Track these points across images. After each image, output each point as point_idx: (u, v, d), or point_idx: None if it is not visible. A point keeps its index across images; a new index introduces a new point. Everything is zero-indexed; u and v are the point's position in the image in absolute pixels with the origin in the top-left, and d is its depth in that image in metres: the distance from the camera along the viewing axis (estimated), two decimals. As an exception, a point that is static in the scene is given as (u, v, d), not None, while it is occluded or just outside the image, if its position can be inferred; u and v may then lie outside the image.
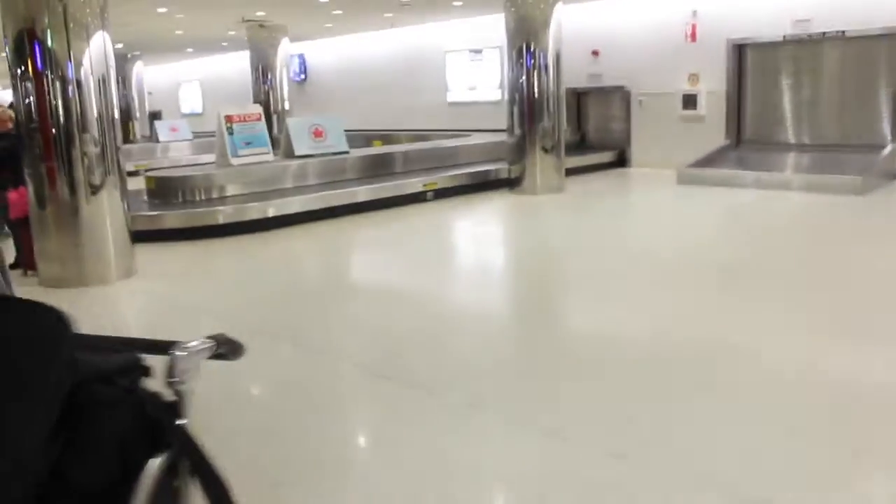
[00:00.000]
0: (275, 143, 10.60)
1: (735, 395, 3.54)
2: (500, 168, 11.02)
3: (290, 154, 10.10)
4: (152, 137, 17.64)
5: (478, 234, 8.77)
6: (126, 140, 19.95)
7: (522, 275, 6.73)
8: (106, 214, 6.38)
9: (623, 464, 2.90)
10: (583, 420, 3.32)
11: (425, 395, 3.71)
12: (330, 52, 18.64)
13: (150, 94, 21.98)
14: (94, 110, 6.25)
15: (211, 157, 10.53)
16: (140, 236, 8.02)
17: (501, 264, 7.24)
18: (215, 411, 3.65)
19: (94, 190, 6.29)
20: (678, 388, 3.66)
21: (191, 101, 23.79)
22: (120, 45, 19.57)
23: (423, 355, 4.34)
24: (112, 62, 6.40)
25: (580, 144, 13.60)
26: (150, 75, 21.58)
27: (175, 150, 17.14)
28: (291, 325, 5.08)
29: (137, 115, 19.55)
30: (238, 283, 6.50)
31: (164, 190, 9.18)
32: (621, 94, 12.98)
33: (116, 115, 6.57)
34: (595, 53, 13.08)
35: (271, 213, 8.78)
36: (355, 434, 3.52)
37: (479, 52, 15.16)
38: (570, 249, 7.42)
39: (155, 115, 20.91)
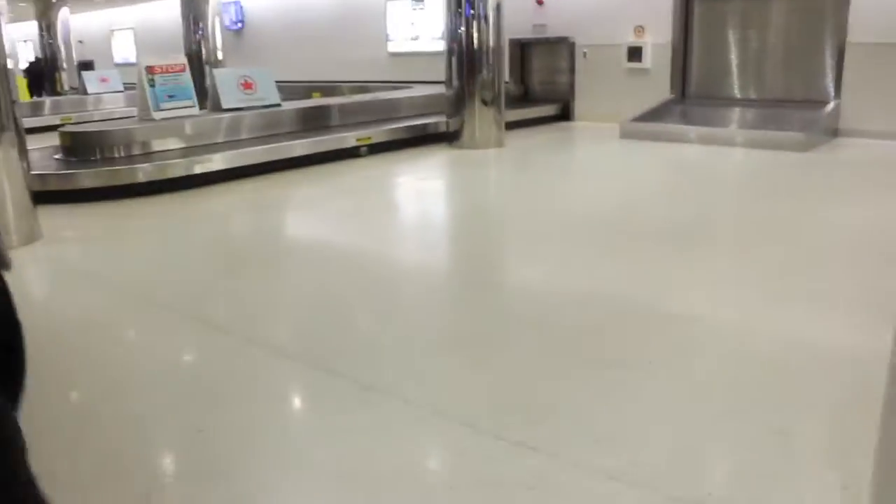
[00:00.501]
0: (205, 96, 10.08)
1: (665, 369, 3.32)
2: (439, 122, 10.66)
3: (217, 107, 9.60)
4: (80, 89, 16.81)
5: (411, 191, 8.43)
6: (54, 92, 19.10)
7: (455, 236, 6.44)
8: (2, 174, 5.90)
9: (535, 457, 2.65)
10: (497, 402, 3.06)
11: (326, 375, 3.41)
12: (269, -2, 17.91)
13: (80, 42, 21.00)
14: (-18, 60, 5.74)
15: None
16: (54, 197, 7.54)
17: (433, 223, 6.91)
18: (78, 386, 3.33)
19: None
20: (606, 360, 3.42)
21: (124, 50, 22.78)
22: (43, -10, 18.70)
23: (337, 331, 4.02)
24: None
25: (523, 97, 13.28)
26: (79, 23, 20.58)
27: (107, 103, 16.40)
28: (200, 294, 4.73)
29: (65, 65, 18.63)
30: (152, 247, 6.09)
31: (80, 146, 8.63)
32: (566, 46, 12.64)
33: (9, 64, 6.05)
34: (539, 2, 12.69)
35: (196, 170, 8.31)
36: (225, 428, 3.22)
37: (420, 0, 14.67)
38: (507, 207, 7.15)
39: (86, 66, 19.95)
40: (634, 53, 11.87)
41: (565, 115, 12.80)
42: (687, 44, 11.64)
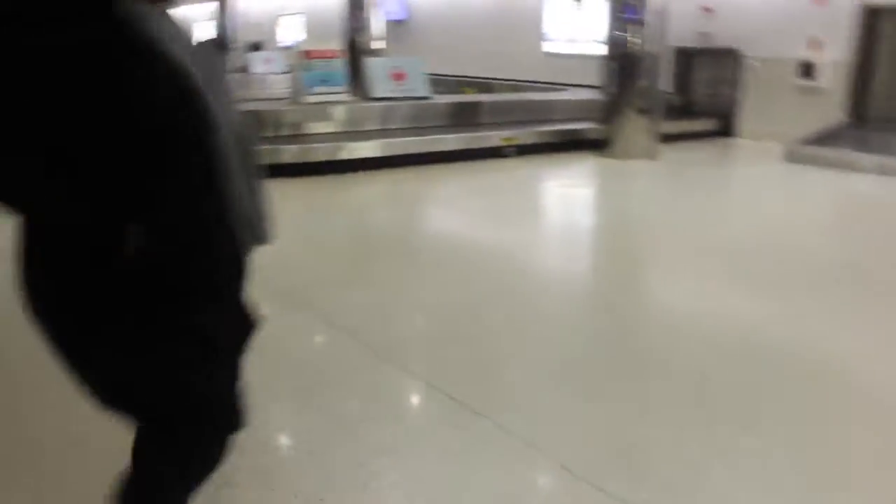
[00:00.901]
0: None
1: (809, 443, 2.88)
2: (589, 128, 10.24)
3: (367, 96, 9.65)
4: (246, 69, 17.52)
5: (555, 198, 8.13)
6: (222, 70, 19.95)
7: (594, 251, 6.08)
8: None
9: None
10: (602, 446, 2.75)
11: (426, 388, 3.21)
12: (433, -10, 17.96)
13: (256, 24, 21.89)
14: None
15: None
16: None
17: (573, 235, 6.54)
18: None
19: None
20: (736, 419, 3.02)
21: (292, 33, 23.57)
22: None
23: (450, 338, 3.81)
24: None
25: (683, 109, 12.60)
26: (254, 4, 21.45)
27: (270, 83, 16.97)
28: (321, 285, 4.64)
29: (234, 45, 19.47)
30: (286, 232, 6.09)
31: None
32: (732, 58, 11.86)
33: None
34: (707, 10, 11.98)
35: (341, 156, 8.37)
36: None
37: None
38: (652, 226, 6.69)
39: (255, 47, 20.81)
40: (807, 70, 10.97)
41: (726, 130, 12.04)
42: (869, 62, 10.64)
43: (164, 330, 1.42)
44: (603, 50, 10.01)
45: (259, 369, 1.98)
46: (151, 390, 1.50)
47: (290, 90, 9.41)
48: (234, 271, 1.52)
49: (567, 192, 8.14)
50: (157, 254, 1.31)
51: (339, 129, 9.03)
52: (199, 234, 1.36)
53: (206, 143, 1.29)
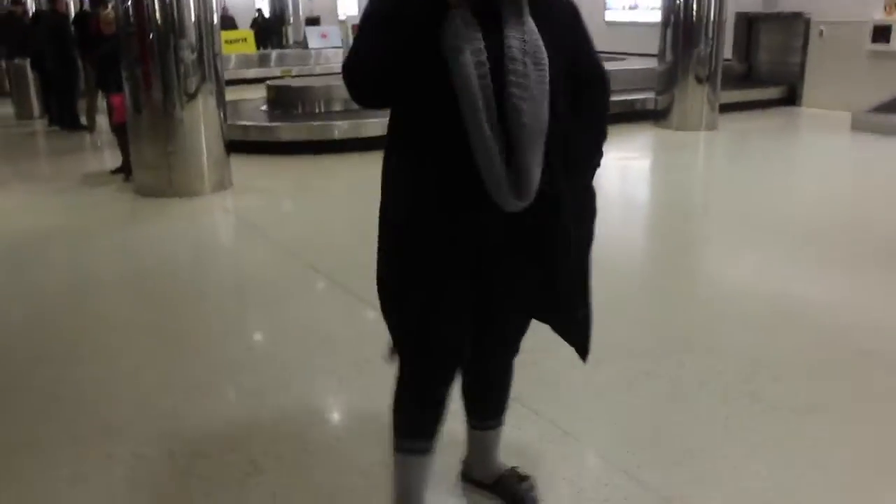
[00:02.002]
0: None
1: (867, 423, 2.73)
2: (648, 98, 9.96)
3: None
4: (303, 43, 17.54)
5: (613, 171, 7.93)
6: (280, 45, 20.10)
7: (654, 225, 5.92)
8: (200, 123, 6.14)
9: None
10: (639, 435, 2.65)
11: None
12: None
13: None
14: (191, 16, 5.94)
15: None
16: (256, 147, 7.84)
17: (630, 210, 6.34)
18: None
19: (189, 97, 6.03)
20: (790, 404, 2.88)
21: (352, 7, 23.51)
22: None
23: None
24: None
25: (746, 77, 12.16)
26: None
27: (326, 58, 16.97)
28: (355, 266, 4.61)
29: (291, 19, 19.50)
30: (329, 208, 6.11)
31: (284, 100, 8.92)
32: (800, 22, 11.35)
33: (216, 20, 6.25)
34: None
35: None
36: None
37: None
38: (710, 200, 6.48)
39: (313, 21, 20.82)
40: (882, 33, 10.41)
41: (792, 99, 11.57)
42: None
43: None
44: (661, 16, 9.70)
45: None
46: None
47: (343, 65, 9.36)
48: None
49: (623, 165, 7.92)
50: None
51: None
52: None
53: None
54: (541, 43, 1.72)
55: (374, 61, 1.66)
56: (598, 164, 1.97)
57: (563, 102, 1.78)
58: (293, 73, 14.63)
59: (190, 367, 3.23)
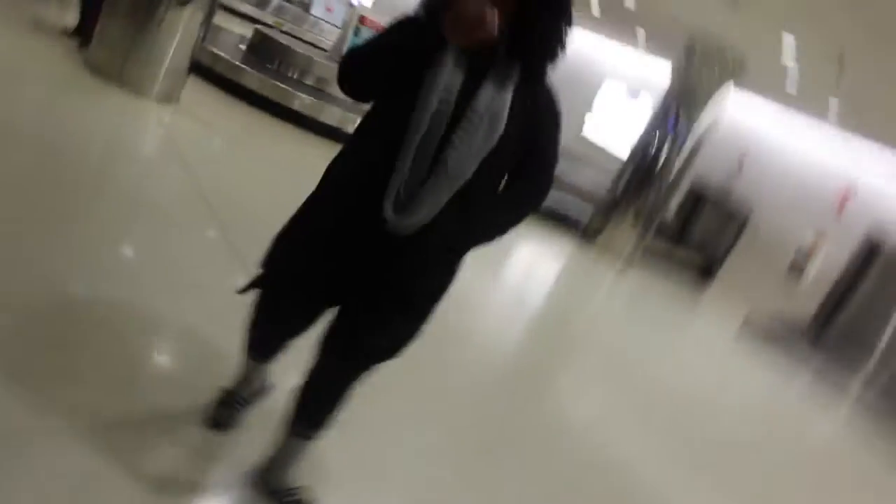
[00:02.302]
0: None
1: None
2: (582, 214, 10.33)
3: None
4: (306, 6, 17.39)
5: (512, 263, 8.12)
6: (285, -3, 19.76)
7: (519, 333, 6.08)
8: (178, 28, 5.96)
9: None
10: None
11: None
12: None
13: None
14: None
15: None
16: (222, 84, 7.68)
17: (510, 308, 6.52)
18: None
19: (182, 2, 5.89)
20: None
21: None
22: None
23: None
24: None
25: (678, 238, 12.72)
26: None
27: (319, 29, 16.84)
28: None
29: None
30: (264, 169, 6.03)
31: (264, 49, 8.81)
32: (740, 218, 12.06)
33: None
34: (741, 160, 12.16)
35: (348, 129, 8.28)
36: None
37: (636, 94, 14.22)
38: (584, 331, 6.70)
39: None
40: (800, 259, 11.19)
41: (708, 272, 12.12)
42: (847, 288, 10.88)
43: None
44: (628, 149, 10.13)
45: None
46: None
47: (332, 45, 9.34)
48: None
49: (528, 261, 8.13)
50: None
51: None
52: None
53: None
54: (505, 113, 1.90)
55: (373, 51, 1.93)
56: (484, 241, 2.05)
57: (495, 172, 1.98)
58: (283, 28, 14.47)
59: (44, 250, 3.12)
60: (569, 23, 1.94)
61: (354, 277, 2.02)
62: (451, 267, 2.08)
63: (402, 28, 1.95)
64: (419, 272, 2.00)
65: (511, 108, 1.90)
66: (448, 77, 1.87)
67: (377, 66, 1.92)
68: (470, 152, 1.87)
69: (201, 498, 2.25)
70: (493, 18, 1.81)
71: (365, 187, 1.92)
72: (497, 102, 1.88)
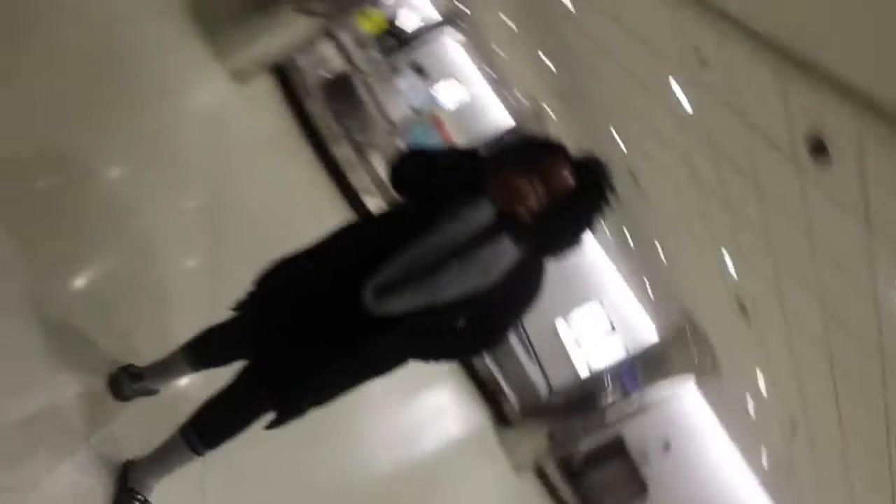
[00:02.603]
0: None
1: None
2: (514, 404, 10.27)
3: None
4: (397, 72, 17.80)
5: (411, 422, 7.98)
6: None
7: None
8: (287, 29, 6.14)
9: None
10: None
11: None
12: None
13: (440, 58, 22.36)
14: None
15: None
16: (287, 90, 7.74)
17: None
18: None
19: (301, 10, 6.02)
20: None
21: (452, 95, 23.90)
22: None
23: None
24: None
25: (573, 476, 12.60)
26: (453, 50, 21.93)
27: (395, 98, 17.14)
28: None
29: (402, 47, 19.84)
30: (263, 175, 6.02)
31: (340, 87, 8.97)
32: (638, 489, 12.05)
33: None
34: (667, 444, 12.24)
35: (367, 198, 8.32)
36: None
37: (613, 329, 14.41)
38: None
39: (419, 69, 21.08)
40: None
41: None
42: None
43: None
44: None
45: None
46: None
47: (398, 121, 9.53)
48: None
49: (438, 406, 7.97)
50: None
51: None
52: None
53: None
54: (503, 270, 2.12)
55: (433, 163, 2.21)
56: (429, 357, 2.31)
57: (465, 306, 2.17)
58: (368, 80, 14.76)
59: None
60: (590, 232, 2.20)
61: (318, 328, 2.15)
62: (398, 356, 2.26)
63: (466, 158, 2.20)
64: (372, 342, 2.14)
65: (508, 269, 2.13)
66: (475, 216, 2.08)
67: (429, 177, 2.15)
68: (457, 283, 2.09)
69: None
70: (534, 204, 2.06)
71: (361, 263, 2.09)
72: (502, 259, 2.10)
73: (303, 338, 2.16)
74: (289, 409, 2.22)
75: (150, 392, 2.50)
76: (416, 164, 2.20)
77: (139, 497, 2.20)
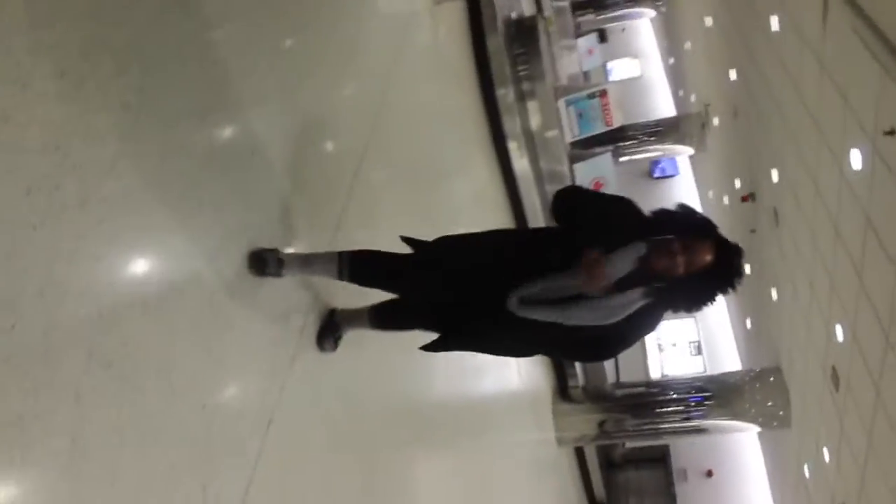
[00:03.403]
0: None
1: None
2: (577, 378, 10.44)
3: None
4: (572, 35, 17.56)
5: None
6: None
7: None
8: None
9: None
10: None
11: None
12: None
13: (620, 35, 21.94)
14: None
15: None
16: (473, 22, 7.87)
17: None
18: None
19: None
20: None
21: (625, 71, 23.55)
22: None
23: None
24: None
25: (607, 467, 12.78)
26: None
27: (566, 58, 16.95)
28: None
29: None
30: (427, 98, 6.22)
31: (525, 35, 9.00)
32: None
33: None
34: (708, 475, 12.25)
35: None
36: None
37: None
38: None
39: (603, 35, 20.82)
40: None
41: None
42: None
43: None
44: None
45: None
46: None
47: (564, 80, 9.50)
48: None
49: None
50: None
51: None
52: None
53: None
54: (622, 314, 2.42)
55: (590, 205, 2.62)
56: (546, 352, 3.11)
57: (583, 332, 2.50)
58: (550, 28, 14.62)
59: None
60: (711, 304, 2.48)
61: (476, 299, 2.59)
62: (528, 348, 2.88)
63: (621, 206, 2.54)
64: (512, 328, 2.55)
65: (631, 314, 2.44)
66: (621, 263, 2.38)
67: (584, 216, 2.52)
68: (585, 316, 2.44)
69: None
70: (678, 273, 2.36)
71: (515, 272, 2.50)
72: (629, 306, 2.42)
73: (464, 300, 2.63)
74: (441, 339, 2.75)
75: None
76: (577, 201, 2.62)
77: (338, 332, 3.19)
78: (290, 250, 2.98)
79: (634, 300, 2.42)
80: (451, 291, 2.65)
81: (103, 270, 1.97)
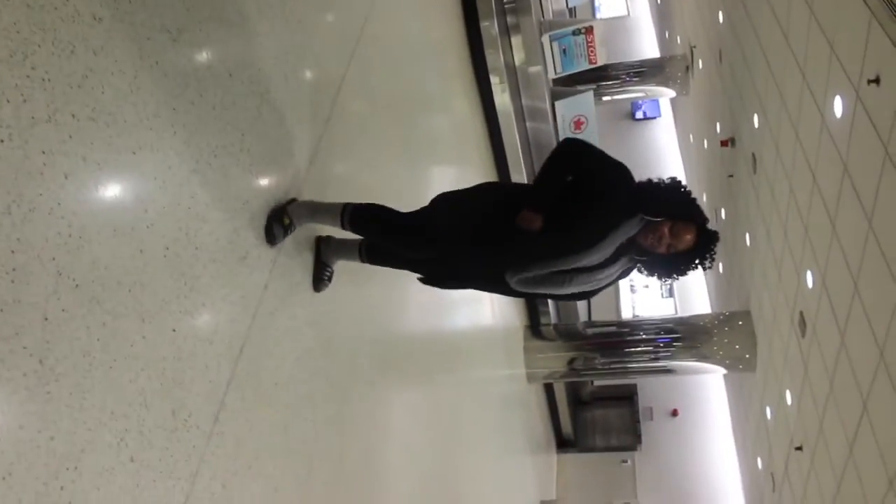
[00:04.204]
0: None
1: None
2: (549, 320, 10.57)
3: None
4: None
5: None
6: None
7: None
8: None
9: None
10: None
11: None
12: None
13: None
14: None
15: None
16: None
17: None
18: None
19: None
20: None
21: (612, 7, 23.17)
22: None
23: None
24: None
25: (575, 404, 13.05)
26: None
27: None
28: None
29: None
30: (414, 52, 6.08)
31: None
32: (630, 440, 12.44)
33: None
34: (673, 414, 12.54)
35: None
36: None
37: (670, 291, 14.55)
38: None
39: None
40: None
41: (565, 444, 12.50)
42: None
43: None
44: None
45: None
46: None
47: (550, 15, 9.35)
48: None
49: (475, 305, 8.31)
50: None
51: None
52: None
53: None
54: (609, 280, 2.85)
55: (590, 154, 2.78)
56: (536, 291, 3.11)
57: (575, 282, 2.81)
58: None
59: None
60: (682, 277, 2.85)
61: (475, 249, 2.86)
62: (518, 291, 2.99)
63: (618, 172, 2.71)
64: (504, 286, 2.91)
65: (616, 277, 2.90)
66: (618, 238, 2.69)
67: (585, 178, 2.73)
68: (576, 288, 2.81)
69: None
70: (663, 251, 2.70)
71: (510, 248, 2.79)
72: (616, 274, 2.84)
73: (460, 245, 2.86)
74: (441, 275, 3.11)
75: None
76: (582, 150, 2.75)
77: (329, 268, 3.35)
78: (264, 180, 2.93)
79: (620, 268, 2.80)
80: (448, 264, 3.01)
81: (73, 188, 1.91)
